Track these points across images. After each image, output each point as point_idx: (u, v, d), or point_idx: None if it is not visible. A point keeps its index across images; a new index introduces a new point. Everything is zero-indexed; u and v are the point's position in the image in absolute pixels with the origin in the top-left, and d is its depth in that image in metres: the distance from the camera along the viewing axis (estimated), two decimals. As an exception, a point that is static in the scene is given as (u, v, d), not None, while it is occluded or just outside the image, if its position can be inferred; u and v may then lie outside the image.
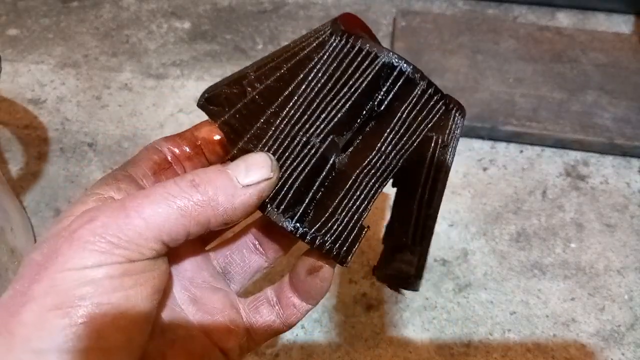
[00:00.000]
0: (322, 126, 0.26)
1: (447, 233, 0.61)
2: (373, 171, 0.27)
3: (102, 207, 0.23)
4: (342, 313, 0.54)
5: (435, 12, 0.88)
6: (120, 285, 0.22)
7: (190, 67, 0.78)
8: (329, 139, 0.26)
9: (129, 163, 0.27)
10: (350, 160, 0.27)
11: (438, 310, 0.55)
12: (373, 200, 0.27)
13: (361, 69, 0.26)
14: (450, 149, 0.29)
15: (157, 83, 0.76)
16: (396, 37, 0.78)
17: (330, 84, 0.26)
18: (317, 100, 0.26)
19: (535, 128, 0.68)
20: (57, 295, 0.21)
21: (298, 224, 0.26)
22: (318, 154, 0.26)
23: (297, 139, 0.26)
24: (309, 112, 0.26)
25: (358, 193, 0.27)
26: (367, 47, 0.26)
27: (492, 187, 0.65)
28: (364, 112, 0.27)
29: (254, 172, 0.24)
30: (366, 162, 0.27)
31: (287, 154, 0.26)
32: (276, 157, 0.26)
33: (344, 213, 0.26)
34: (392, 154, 0.27)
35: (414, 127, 0.27)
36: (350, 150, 0.27)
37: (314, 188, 0.26)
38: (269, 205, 0.26)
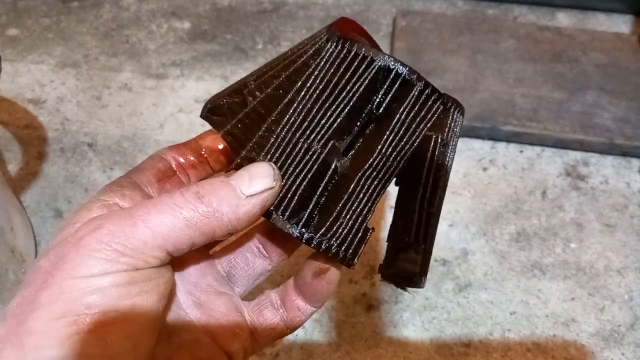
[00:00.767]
0: (322, 131, 0.26)
1: (447, 233, 0.61)
2: (375, 173, 0.27)
3: (108, 215, 0.23)
4: (342, 313, 0.54)
5: (435, 12, 0.88)
6: (127, 293, 0.22)
7: (190, 67, 0.78)
8: (330, 144, 0.26)
9: (133, 170, 0.27)
10: (351, 163, 0.27)
11: (438, 310, 0.55)
12: (376, 201, 0.28)
13: (358, 74, 0.26)
14: (450, 147, 0.29)
15: (157, 83, 0.76)
16: (396, 37, 0.78)
17: (328, 90, 0.26)
18: (317, 107, 0.26)
19: (535, 128, 0.68)
20: (64, 304, 0.21)
21: (304, 230, 0.26)
22: (320, 159, 0.26)
23: (299, 145, 0.26)
24: (309, 119, 0.26)
25: (361, 196, 0.27)
26: (363, 52, 0.26)
27: (492, 187, 0.66)
28: (363, 115, 0.27)
29: (257, 182, 0.24)
30: (368, 164, 0.27)
31: (289, 161, 0.26)
32: (279, 164, 0.26)
33: (348, 216, 0.27)
34: (393, 155, 0.27)
35: (413, 127, 0.27)
36: (351, 153, 0.28)
37: (318, 193, 0.27)
38: (274, 213, 0.26)
